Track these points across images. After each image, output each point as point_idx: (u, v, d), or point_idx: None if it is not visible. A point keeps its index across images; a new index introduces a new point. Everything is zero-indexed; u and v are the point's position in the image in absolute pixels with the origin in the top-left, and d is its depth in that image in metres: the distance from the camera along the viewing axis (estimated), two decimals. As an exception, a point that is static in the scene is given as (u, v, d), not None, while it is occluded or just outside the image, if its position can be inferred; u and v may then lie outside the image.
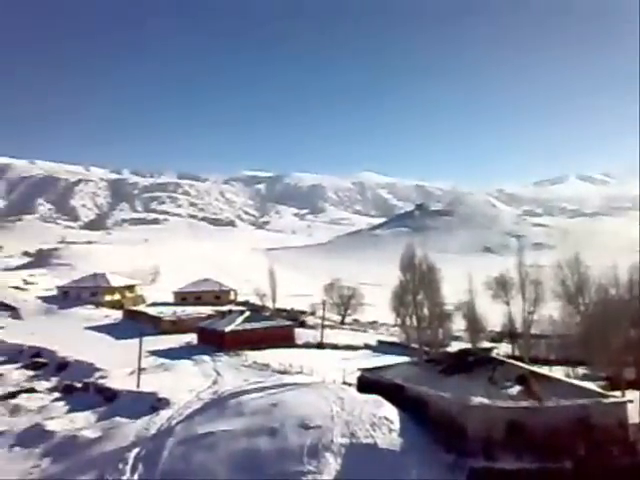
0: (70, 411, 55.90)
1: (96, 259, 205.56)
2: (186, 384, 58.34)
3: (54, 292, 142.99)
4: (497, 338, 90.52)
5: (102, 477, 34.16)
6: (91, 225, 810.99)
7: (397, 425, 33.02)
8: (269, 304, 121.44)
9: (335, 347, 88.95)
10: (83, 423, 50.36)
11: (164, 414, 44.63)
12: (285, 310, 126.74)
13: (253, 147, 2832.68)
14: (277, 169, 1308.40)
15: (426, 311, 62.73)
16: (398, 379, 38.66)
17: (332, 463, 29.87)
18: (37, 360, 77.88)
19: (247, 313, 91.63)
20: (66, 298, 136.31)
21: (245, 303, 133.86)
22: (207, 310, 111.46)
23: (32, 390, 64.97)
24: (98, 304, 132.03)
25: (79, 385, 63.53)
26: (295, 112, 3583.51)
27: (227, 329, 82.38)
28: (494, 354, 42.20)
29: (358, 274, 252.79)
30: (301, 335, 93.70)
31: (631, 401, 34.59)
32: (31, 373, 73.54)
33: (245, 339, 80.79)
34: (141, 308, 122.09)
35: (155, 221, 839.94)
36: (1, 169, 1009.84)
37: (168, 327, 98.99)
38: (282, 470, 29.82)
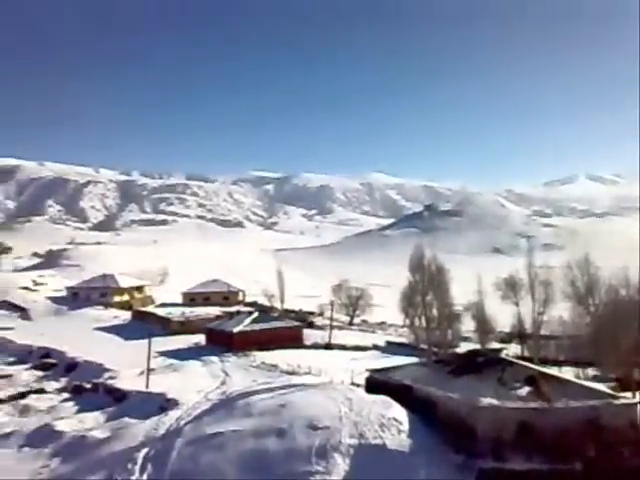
0: (79, 411, 56.06)
1: (105, 260, 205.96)
2: (195, 385, 58.42)
3: (63, 293, 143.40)
4: (506, 339, 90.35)
5: (111, 477, 34.18)
6: (100, 226, 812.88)
7: (406, 426, 32.92)
8: (277, 305, 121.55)
9: (343, 348, 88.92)
10: (92, 423, 50.46)
11: (173, 414, 44.64)
12: (293, 311, 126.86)
13: (261, 148, 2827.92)
14: (285, 170, 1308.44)
15: (435, 312, 62.69)
16: (407, 380, 38.55)
17: (341, 464, 29.79)
18: (46, 361, 78.13)
19: (255, 314, 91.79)
20: (75, 299, 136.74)
21: (253, 304, 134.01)
22: (215, 311, 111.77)
23: (41, 391, 65.19)
24: (107, 305, 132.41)
25: (88, 386, 63.71)
26: (303, 113, 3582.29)
27: (235, 330, 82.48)
28: (503, 355, 42.05)
29: (366, 275, 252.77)
30: (309, 336, 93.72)
31: (642, 402, 34.45)
32: (40, 374, 73.76)
33: (253, 340, 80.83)
34: (150, 309, 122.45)
35: (164, 222, 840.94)
36: (11, 170, 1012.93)
37: (177, 328, 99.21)
38: (290, 471, 29.77)
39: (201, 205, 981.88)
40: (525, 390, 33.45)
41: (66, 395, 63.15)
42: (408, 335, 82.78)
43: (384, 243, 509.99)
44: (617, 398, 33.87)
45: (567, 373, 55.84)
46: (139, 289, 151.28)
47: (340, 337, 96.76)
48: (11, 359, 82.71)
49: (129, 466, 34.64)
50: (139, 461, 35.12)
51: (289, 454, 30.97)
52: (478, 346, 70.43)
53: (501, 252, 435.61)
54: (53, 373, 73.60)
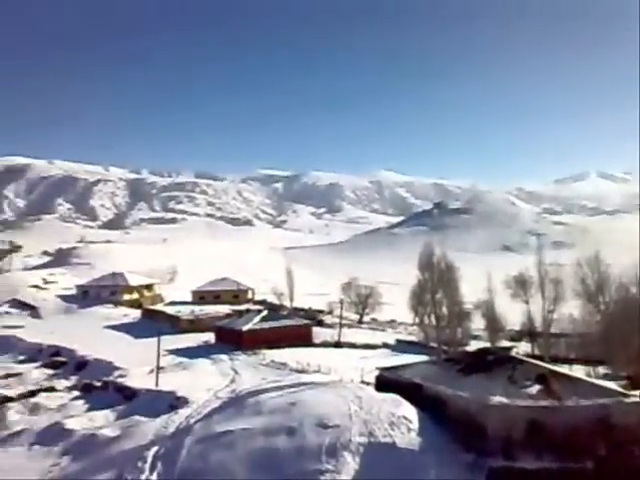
0: (89, 410, 56.29)
1: (115, 258, 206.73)
2: (204, 383, 58.57)
3: (73, 291, 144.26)
4: (516, 337, 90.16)
5: (121, 475, 34.21)
6: (110, 225, 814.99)
7: (416, 424, 32.82)
8: (287, 303, 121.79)
9: (353, 346, 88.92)
10: (102, 422, 50.63)
11: (183, 413, 44.69)
12: (303, 309, 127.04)
13: (270, 146, 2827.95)
14: (294, 168, 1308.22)
15: (445, 310, 62.63)
16: (417, 378, 38.42)
17: (350, 462, 29.72)
18: (56, 359, 78.44)
19: (265, 312, 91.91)
20: (85, 297, 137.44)
21: (263, 302, 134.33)
22: (225, 309, 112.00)
23: (52, 389, 65.47)
24: (117, 303, 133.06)
25: (98, 384, 63.95)
26: (312, 111, 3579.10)
27: (245, 328, 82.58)
28: (513, 353, 41.92)
29: (376, 273, 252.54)
30: (319, 334, 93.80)
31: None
32: (51, 372, 74.07)
33: (263, 338, 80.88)
34: (159, 307, 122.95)
35: (173, 220, 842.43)
36: (21, 169, 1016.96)
37: (186, 326, 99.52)
38: (300, 469, 29.72)
39: (210, 203, 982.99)
40: (535, 388, 33.28)
41: (76, 393, 63.40)
42: (418, 333, 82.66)
43: (393, 241, 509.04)
44: (628, 396, 33.66)
45: (578, 371, 55.63)
46: (148, 287, 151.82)
47: (350, 335, 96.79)
48: (21, 357, 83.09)
49: (139, 464, 34.67)
50: (149, 459, 35.14)
51: (299, 452, 30.93)
52: (488, 344, 70.27)
53: (511, 250, 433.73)
54: (63, 371, 73.89)
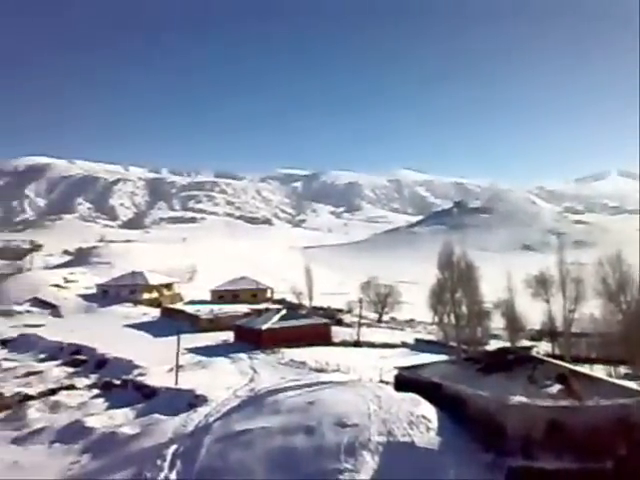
0: (109, 408, 56.39)
1: (134, 258, 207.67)
2: (223, 382, 58.66)
3: (94, 290, 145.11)
4: (537, 337, 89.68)
5: (141, 473, 34.29)
6: (130, 224, 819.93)
7: (435, 424, 32.64)
8: (306, 302, 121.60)
9: (372, 345, 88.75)
10: (122, 420, 50.76)
11: (202, 411, 44.73)
12: (322, 308, 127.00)
13: (289, 146, 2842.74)
14: (313, 167, 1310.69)
15: (464, 309, 62.34)
16: (436, 377, 38.22)
17: (369, 461, 29.59)
18: (77, 357, 78.74)
19: (284, 311, 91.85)
20: (105, 296, 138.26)
21: (282, 301, 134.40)
22: (244, 308, 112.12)
23: (72, 387, 65.68)
24: (136, 302, 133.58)
25: (118, 382, 64.13)
26: (332, 111, 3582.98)
27: (264, 327, 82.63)
28: (534, 353, 41.57)
29: (395, 272, 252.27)
30: (338, 333, 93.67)
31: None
32: (71, 370, 74.37)
33: (282, 337, 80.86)
34: (179, 306, 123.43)
35: (192, 220, 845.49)
36: (41, 169, 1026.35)
37: (205, 325, 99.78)
38: (319, 468, 29.64)
39: (229, 203, 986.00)
40: (556, 388, 33.02)
41: (96, 391, 63.54)
42: (437, 333, 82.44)
43: (413, 240, 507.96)
44: (649, 396, 33.33)
45: (598, 371, 55.17)
46: (168, 286, 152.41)
47: (369, 335, 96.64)
48: (42, 356, 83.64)
49: (158, 462, 34.73)
50: (168, 457, 35.19)
51: (318, 451, 30.85)
52: (508, 344, 69.86)
53: (531, 249, 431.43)
54: (83, 369, 74.19)
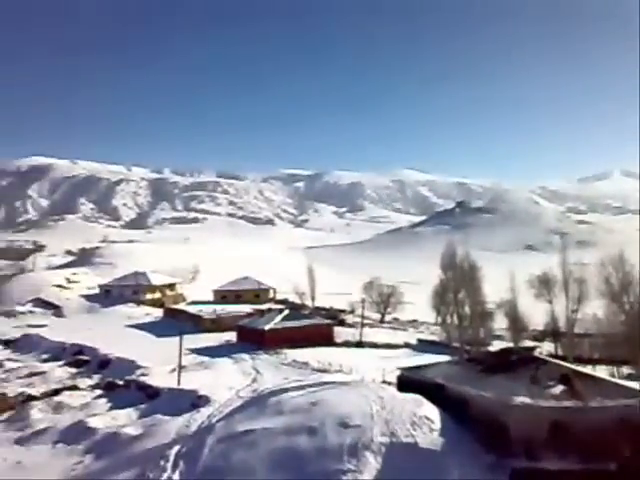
0: (112, 408, 56.43)
1: (137, 258, 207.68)
2: (226, 382, 58.63)
3: (96, 290, 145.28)
4: (540, 337, 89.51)
5: (144, 474, 34.35)
6: (132, 224, 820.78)
7: (438, 424, 32.63)
8: (308, 302, 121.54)
9: (374, 346, 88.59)
10: (125, 420, 50.81)
11: (204, 412, 44.85)
12: (324, 308, 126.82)
13: (292, 146, 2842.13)
14: (316, 167, 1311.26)
15: (467, 309, 62.34)
16: (439, 378, 38.19)
17: (372, 462, 29.58)
18: (80, 358, 78.83)
19: (286, 311, 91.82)
20: (108, 296, 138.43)
21: (284, 301, 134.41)
22: (246, 308, 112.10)
23: (75, 387, 65.72)
24: (139, 302, 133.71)
25: (121, 382, 64.16)
26: (334, 111, 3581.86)
27: (266, 327, 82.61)
28: (537, 353, 41.56)
29: (398, 272, 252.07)
30: (340, 334, 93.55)
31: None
32: (74, 370, 74.44)
33: (284, 337, 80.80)
34: (181, 306, 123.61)
35: (195, 220, 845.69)
36: (44, 169, 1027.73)
37: (208, 325, 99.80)
38: (322, 469, 29.64)
39: (232, 203, 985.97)
40: (559, 389, 32.97)
41: (99, 392, 63.60)
42: (440, 333, 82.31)
43: (415, 240, 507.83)
44: (653, 397, 33.27)
45: (601, 372, 55.12)
46: (171, 287, 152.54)
47: (371, 335, 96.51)
48: (45, 356, 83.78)
49: (161, 463, 34.81)
50: (171, 458, 35.28)
51: (320, 452, 30.85)
52: (511, 344, 69.84)
53: (534, 249, 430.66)
54: (86, 370, 74.26)
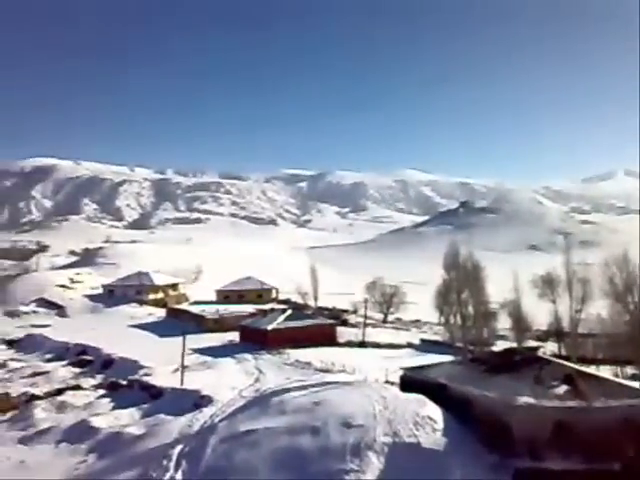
0: (115, 408, 56.46)
1: (140, 258, 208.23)
2: (228, 382, 58.62)
3: (100, 290, 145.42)
4: (543, 337, 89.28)
5: (146, 473, 34.32)
6: (135, 224, 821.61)
7: (441, 424, 32.55)
8: (311, 302, 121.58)
9: (377, 346, 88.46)
10: (128, 420, 50.81)
11: (207, 411, 44.80)
12: (327, 308, 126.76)
13: (294, 146, 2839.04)
14: (318, 167, 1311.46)
15: (471, 310, 62.03)
16: (442, 378, 38.12)
17: (375, 462, 29.52)
18: (83, 357, 78.92)
19: (289, 311, 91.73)
20: (111, 296, 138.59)
21: (287, 301, 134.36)
22: (249, 308, 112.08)
23: (78, 387, 65.75)
24: (142, 302, 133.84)
25: (124, 382, 64.18)
26: (336, 111, 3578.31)
27: (269, 327, 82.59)
28: (540, 353, 41.46)
29: (401, 272, 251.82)
30: (343, 334, 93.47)
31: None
32: (77, 370, 74.52)
33: (287, 337, 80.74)
34: (184, 306, 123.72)
35: (198, 220, 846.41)
36: (48, 170, 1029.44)
37: (211, 325, 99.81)
38: (324, 468, 29.59)
39: (234, 203, 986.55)
40: (562, 389, 32.88)
41: (102, 391, 63.62)
42: (443, 333, 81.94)
43: (418, 240, 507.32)
44: (657, 397, 33.16)
45: (605, 372, 54.96)
46: (173, 287, 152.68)
47: (374, 335, 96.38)
48: (48, 356, 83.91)
49: (164, 462, 34.77)
50: (174, 458, 35.24)
51: (323, 452, 30.80)
52: (514, 344, 69.71)
53: (538, 249, 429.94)
54: (89, 370, 74.32)
